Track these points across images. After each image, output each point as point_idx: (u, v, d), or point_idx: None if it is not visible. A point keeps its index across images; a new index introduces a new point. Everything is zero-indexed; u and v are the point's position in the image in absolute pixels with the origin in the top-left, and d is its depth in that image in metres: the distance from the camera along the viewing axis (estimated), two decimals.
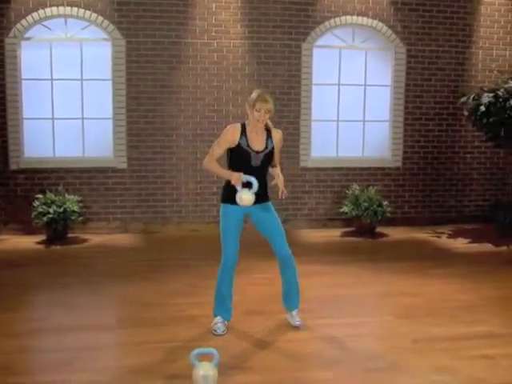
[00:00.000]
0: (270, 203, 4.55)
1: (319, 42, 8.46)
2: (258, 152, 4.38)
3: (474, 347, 4.33)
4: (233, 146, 4.37)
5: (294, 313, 4.69)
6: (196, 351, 3.64)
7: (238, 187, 4.25)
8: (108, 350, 4.30)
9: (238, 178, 4.25)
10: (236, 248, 4.47)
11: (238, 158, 4.38)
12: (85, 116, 8.09)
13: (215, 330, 4.49)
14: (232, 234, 4.44)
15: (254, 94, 4.34)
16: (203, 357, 3.65)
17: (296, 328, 4.64)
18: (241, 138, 4.35)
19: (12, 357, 4.08)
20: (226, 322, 4.57)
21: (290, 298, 4.69)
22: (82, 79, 8.03)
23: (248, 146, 4.36)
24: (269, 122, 4.48)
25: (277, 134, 4.52)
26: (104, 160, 8.13)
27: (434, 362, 4.05)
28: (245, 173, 4.29)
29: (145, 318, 4.85)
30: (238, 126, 4.41)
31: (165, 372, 3.86)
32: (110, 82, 8.04)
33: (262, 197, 4.42)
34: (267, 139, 4.44)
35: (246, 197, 4.23)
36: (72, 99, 8.04)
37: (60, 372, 3.84)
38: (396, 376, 3.87)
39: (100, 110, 8.11)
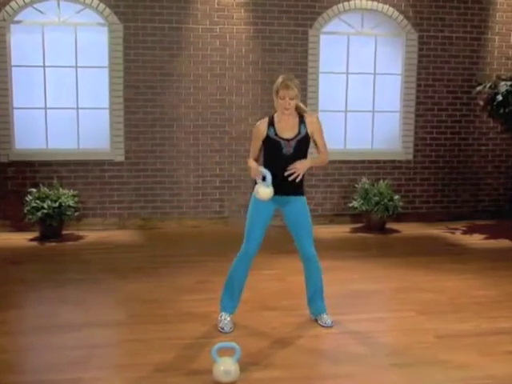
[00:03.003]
0: (303, 198, 4.60)
1: (327, 28, 8.55)
2: (288, 140, 4.43)
3: (501, 343, 4.45)
4: (263, 138, 4.49)
5: (325, 315, 4.77)
6: (217, 346, 3.74)
7: (258, 180, 4.35)
8: (123, 347, 4.38)
9: (254, 171, 4.36)
10: (260, 238, 4.55)
11: (269, 149, 4.49)
12: (80, 106, 8.15)
13: (222, 328, 4.57)
14: (259, 223, 4.51)
15: (278, 80, 4.42)
16: (224, 352, 3.74)
17: (314, 323, 4.75)
18: (268, 129, 4.47)
19: (20, 355, 4.17)
20: (231, 317, 4.65)
21: (317, 301, 4.77)
22: (76, 66, 8.09)
23: (276, 134, 4.44)
24: (302, 105, 4.54)
25: (311, 118, 4.53)
26: (100, 152, 8.19)
27: (461, 358, 4.16)
28: (278, 162, 4.40)
29: (157, 315, 4.94)
30: (266, 119, 4.54)
31: (185, 368, 3.94)
32: (106, 70, 8.10)
33: (295, 189, 4.49)
34: (300, 124, 4.48)
35: (261, 190, 4.31)
36: (66, 88, 8.10)
37: (73, 371, 3.91)
38: (423, 372, 3.98)
39: (96, 100, 8.17)
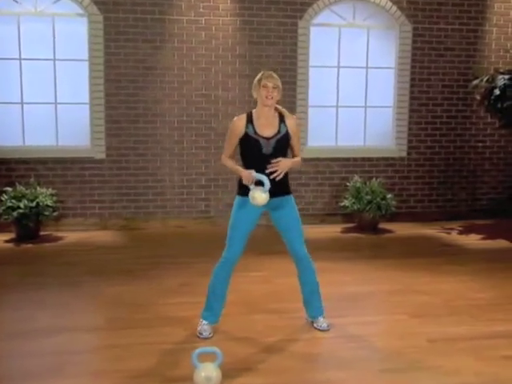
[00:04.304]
0: (290, 197, 4.56)
1: (317, 20, 8.51)
2: (268, 138, 4.39)
3: (497, 347, 4.40)
4: (241, 136, 4.43)
5: (321, 318, 4.73)
6: (198, 351, 3.67)
7: (251, 186, 4.29)
8: (101, 353, 4.32)
9: (248, 176, 4.29)
10: (243, 245, 4.50)
11: (248, 147, 4.43)
12: (58, 101, 8.07)
13: (200, 333, 4.51)
14: (243, 229, 4.46)
15: (259, 75, 4.46)
16: (205, 357, 3.68)
17: (303, 327, 4.71)
18: (247, 126, 4.41)
19: None
20: (212, 326, 4.60)
21: (314, 303, 4.73)
22: (54, 59, 8.01)
23: (256, 133, 4.40)
24: (281, 108, 4.53)
25: (291, 120, 4.53)
26: (80, 149, 8.11)
27: (455, 363, 4.11)
28: (258, 162, 4.34)
29: (137, 319, 4.89)
30: (244, 115, 4.49)
31: (163, 375, 3.89)
32: (86, 63, 8.03)
33: (281, 189, 4.43)
34: (280, 123, 4.46)
35: (258, 196, 4.24)
36: (43, 81, 8.02)
37: (50, 378, 3.86)
38: (415, 377, 3.93)
39: (75, 94, 8.09)
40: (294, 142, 4.54)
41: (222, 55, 8.23)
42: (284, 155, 4.47)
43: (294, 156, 4.61)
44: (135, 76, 8.07)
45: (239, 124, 4.43)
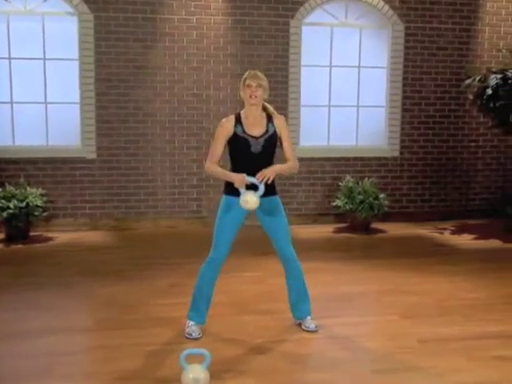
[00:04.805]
0: (277, 197, 4.57)
1: (309, 19, 8.50)
2: (256, 137, 4.42)
3: (489, 348, 4.40)
4: (230, 136, 4.44)
5: (308, 318, 4.72)
6: (185, 352, 3.66)
7: (242, 189, 4.29)
8: (86, 355, 4.32)
9: (241, 180, 4.28)
10: (229, 245, 4.50)
11: (236, 147, 4.45)
12: (48, 100, 8.04)
13: (189, 334, 4.49)
14: (230, 228, 4.47)
15: (245, 75, 4.49)
16: (193, 359, 3.66)
17: (294, 328, 4.69)
18: (236, 126, 4.44)
19: None
20: (200, 326, 4.58)
21: (301, 305, 4.71)
22: (44, 58, 7.97)
23: (244, 132, 4.42)
24: (270, 107, 4.56)
25: (279, 120, 4.55)
26: (70, 149, 8.08)
27: (446, 364, 4.10)
28: (247, 161, 4.38)
29: (126, 320, 4.88)
30: (232, 116, 4.52)
31: (152, 377, 3.87)
32: (76, 62, 7.99)
33: (268, 190, 4.41)
34: (268, 123, 4.49)
35: (250, 199, 4.23)
36: (33, 81, 7.98)
37: (40, 379, 3.84)
38: (405, 378, 3.93)
39: (65, 94, 8.06)
40: (284, 143, 4.55)
41: (213, 54, 8.21)
42: (272, 154, 4.50)
43: (286, 159, 4.58)
44: (126, 75, 8.04)
45: (228, 125, 4.45)
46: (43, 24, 7.89)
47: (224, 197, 4.51)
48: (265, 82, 4.43)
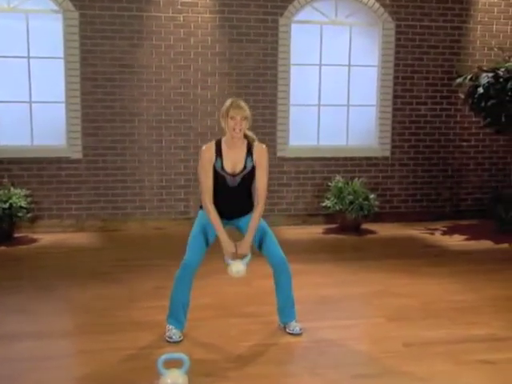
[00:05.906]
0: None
1: (298, 17, 8.47)
2: (234, 175, 4.44)
3: (475, 351, 4.36)
4: (212, 164, 4.45)
5: (293, 322, 4.69)
6: (163, 357, 3.60)
7: (229, 260, 4.43)
8: (65, 360, 4.28)
9: (229, 253, 4.45)
10: (202, 255, 4.52)
11: (214, 177, 4.46)
12: (33, 99, 7.99)
13: (170, 338, 4.46)
14: (203, 241, 4.51)
15: (227, 102, 4.42)
16: (171, 363, 3.62)
17: (279, 332, 4.66)
18: (216, 159, 4.42)
19: None
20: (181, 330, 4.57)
21: (287, 310, 4.69)
22: (28, 57, 7.92)
23: (223, 169, 4.43)
24: (251, 135, 4.52)
25: (258, 153, 4.48)
26: (56, 149, 8.03)
27: (430, 368, 4.07)
28: (223, 192, 4.44)
29: (107, 324, 4.84)
30: (212, 144, 4.48)
31: (129, 382, 3.83)
32: (61, 61, 7.94)
33: (245, 210, 4.54)
34: (247, 157, 4.45)
35: (241, 269, 4.39)
36: (17, 80, 7.93)
37: None
38: (389, 383, 3.89)
39: (50, 93, 8.01)
40: (258, 172, 4.49)
41: (201, 53, 8.17)
42: (250, 185, 4.55)
43: (256, 189, 4.53)
44: (112, 74, 7.99)
45: (208, 155, 4.43)
46: (27, 22, 7.83)
47: (201, 211, 4.58)
48: (249, 113, 4.37)
